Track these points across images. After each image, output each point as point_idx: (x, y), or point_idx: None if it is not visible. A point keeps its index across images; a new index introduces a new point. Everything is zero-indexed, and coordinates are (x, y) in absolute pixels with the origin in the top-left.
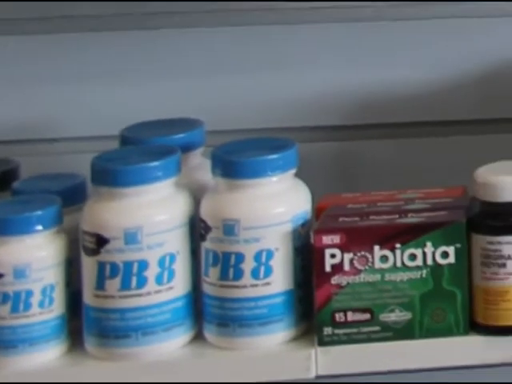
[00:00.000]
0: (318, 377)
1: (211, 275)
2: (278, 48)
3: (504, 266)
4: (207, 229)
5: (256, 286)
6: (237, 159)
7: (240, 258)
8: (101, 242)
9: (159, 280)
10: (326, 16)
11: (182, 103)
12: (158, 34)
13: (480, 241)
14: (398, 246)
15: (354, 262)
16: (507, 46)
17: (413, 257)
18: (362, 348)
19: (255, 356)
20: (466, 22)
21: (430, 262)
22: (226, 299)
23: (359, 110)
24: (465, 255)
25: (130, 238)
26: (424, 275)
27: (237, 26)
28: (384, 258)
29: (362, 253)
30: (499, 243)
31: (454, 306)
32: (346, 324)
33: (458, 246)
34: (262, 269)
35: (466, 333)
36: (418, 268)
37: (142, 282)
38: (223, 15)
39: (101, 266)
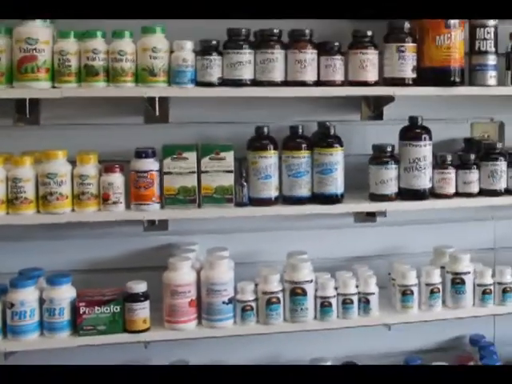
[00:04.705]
0: (79, 346)
1: (46, 316)
2: None
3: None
4: (43, 302)
5: (59, 320)
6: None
7: (53, 311)
8: (11, 305)
9: (30, 317)
10: None
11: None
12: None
13: (128, 306)
14: (103, 305)
15: (89, 310)
16: None
17: (106, 310)
18: (95, 337)
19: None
20: None
21: (112, 311)
22: (49, 323)
23: None
24: (122, 312)
25: (21, 304)
26: (110, 316)
27: None
28: (98, 310)
29: (91, 308)
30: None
31: (119, 324)
32: (88, 330)
33: (121, 306)
34: (61, 313)
35: (123, 332)
36: (108, 313)
37: (24, 316)
38: None
39: (13, 312)
